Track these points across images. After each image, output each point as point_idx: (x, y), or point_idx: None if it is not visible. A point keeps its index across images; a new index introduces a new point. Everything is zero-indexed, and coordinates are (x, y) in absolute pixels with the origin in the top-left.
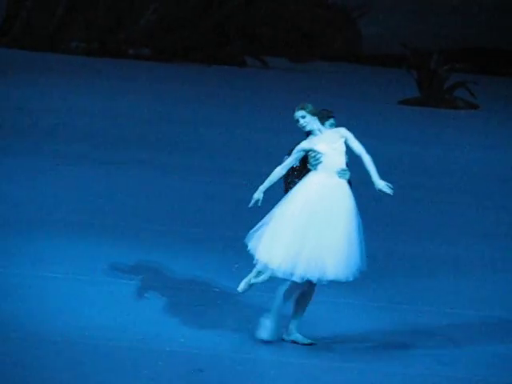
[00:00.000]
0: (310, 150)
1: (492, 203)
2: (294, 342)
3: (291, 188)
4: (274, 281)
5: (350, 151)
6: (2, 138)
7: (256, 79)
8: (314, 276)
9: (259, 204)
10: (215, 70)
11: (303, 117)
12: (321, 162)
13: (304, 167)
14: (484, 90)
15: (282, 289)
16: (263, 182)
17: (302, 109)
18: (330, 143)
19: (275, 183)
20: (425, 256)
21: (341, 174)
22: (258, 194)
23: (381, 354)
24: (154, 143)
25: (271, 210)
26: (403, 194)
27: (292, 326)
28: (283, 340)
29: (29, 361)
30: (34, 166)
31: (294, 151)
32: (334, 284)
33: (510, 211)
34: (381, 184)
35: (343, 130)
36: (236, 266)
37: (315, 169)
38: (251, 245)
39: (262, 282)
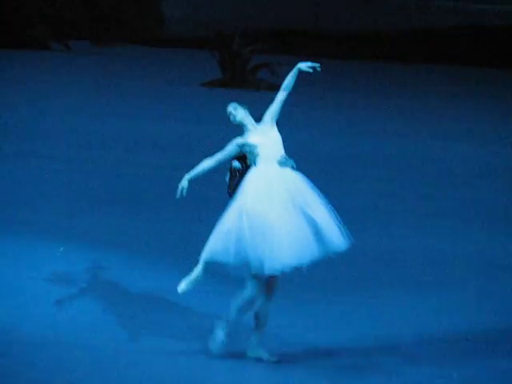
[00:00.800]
0: (244, 145)
1: None
2: (258, 359)
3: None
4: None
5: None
6: None
7: (60, 63)
8: (275, 265)
9: (184, 193)
10: (18, 54)
11: (235, 108)
12: (258, 155)
13: (247, 168)
14: (288, 71)
15: (237, 300)
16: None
17: (234, 102)
18: (263, 134)
19: (202, 176)
20: None
21: (282, 162)
22: (183, 183)
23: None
24: None
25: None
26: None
27: (254, 342)
28: (248, 356)
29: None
30: None
31: (228, 145)
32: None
33: None
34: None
35: (267, 112)
36: (61, 249)
37: (255, 163)
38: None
39: (199, 279)
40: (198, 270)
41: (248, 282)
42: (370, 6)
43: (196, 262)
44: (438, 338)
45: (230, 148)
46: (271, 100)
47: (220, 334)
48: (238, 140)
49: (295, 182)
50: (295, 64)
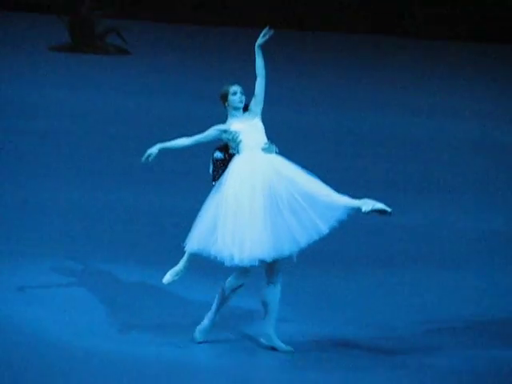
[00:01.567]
0: (226, 131)
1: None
2: (273, 348)
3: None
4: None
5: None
6: None
7: None
8: (262, 255)
9: (150, 159)
10: None
11: (242, 93)
12: (240, 141)
13: (230, 158)
14: (138, 37)
15: (224, 286)
16: None
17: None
18: (246, 122)
19: (175, 150)
20: None
21: (266, 148)
22: (153, 149)
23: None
24: None
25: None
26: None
27: (267, 330)
28: (261, 344)
29: None
30: None
31: (209, 129)
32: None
33: None
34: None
35: (252, 101)
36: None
37: (238, 151)
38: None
39: (184, 270)
40: (183, 261)
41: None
42: None
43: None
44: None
45: (210, 132)
46: (120, 64)
47: (205, 322)
48: (220, 126)
49: (280, 169)
50: (144, 29)
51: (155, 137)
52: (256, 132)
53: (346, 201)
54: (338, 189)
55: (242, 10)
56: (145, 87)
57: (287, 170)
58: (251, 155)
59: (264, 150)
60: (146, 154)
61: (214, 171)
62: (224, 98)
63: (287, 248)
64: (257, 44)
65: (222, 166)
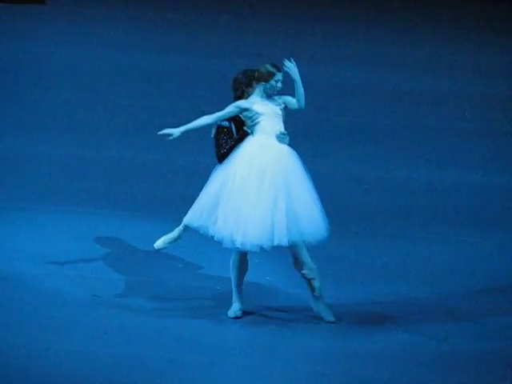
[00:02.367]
0: (247, 109)
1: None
2: (318, 315)
3: (224, 149)
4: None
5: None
6: None
7: None
8: (263, 242)
9: (170, 138)
10: None
11: (267, 69)
12: (258, 123)
13: (238, 128)
14: None
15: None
16: None
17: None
18: (269, 106)
19: (196, 130)
20: None
21: (280, 137)
22: (175, 131)
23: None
24: None
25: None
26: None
27: (312, 297)
28: (313, 310)
29: None
30: None
31: (230, 106)
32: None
33: None
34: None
35: (284, 97)
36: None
37: (251, 130)
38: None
39: (176, 239)
40: (178, 230)
41: None
42: None
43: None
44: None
45: (232, 109)
46: (36, 13)
47: (235, 303)
48: (243, 103)
49: (289, 162)
50: None
51: (78, 87)
52: (276, 119)
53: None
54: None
55: None
56: (60, 37)
57: (295, 165)
58: (265, 140)
59: (278, 138)
60: (166, 131)
61: (216, 137)
62: (264, 77)
63: (288, 238)
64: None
65: (225, 134)
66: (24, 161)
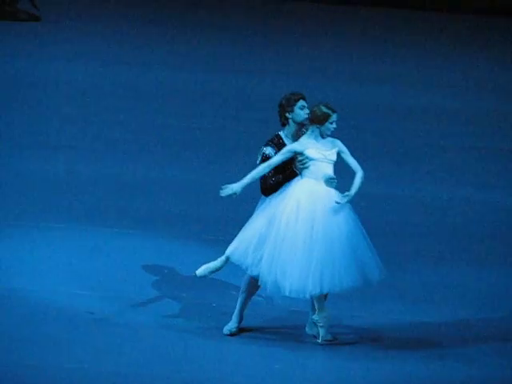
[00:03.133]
0: (300, 153)
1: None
2: (315, 337)
3: (271, 181)
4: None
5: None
6: None
7: None
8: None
9: (234, 197)
10: None
11: (320, 109)
12: (307, 168)
13: (287, 167)
14: (48, 2)
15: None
16: None
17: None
18: (321, 150)
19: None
20: None
21: (328, 182)
22: (237, 189)
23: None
24: None
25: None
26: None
27: (311, 320)
28: (306, 333)
29: None
30: None
31: (284, 151)
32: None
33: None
34: (346, 198)
35: (339, 143)
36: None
37: (300, 173)
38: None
39: (218, 269)
40: (220, 261)
41: None
42: None
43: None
44: None
45: (287, 154)
46: (30, 30)
47: (233, 319)
48: (297, 147)
49: (338, 209)
50: None
51: (70, 103)
52: (327, 164)
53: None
54: None
55: None
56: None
57: (344, 212)
58: (314, 185)
59: (327, 182)
60: (229, 191)
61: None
62: (319, 119)
63: (331, 287)
64: (344, 196)
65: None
66: (21, 178)
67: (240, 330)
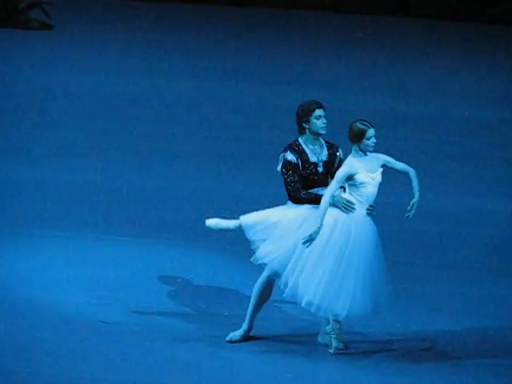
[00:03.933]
0: (351, 175)
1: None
2: (327, 345)
3: (290, 186)
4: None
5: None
6: None
7: None
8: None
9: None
10: None
11: (375, 135)
12: (357, 191)
13: (303, 162)
14: (60, 11)
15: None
16: None
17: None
18: (369, 172)
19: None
20: None
21: (369, 210)
22: (319, 224)
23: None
24: None
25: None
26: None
27: (324, 329)
28: (318, 342)
29: None
30: None
31: (340, 178)
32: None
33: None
34: (414, 205)
35: (382, 156)
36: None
37: (350, 191)
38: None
39: (228, 229)
40: (233, 224)
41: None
42: None
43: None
44: None
45: (341, 179)
46: (44, 39)
47: (244, 327)
48: (347, 169)
49: (371, 239)
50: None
51: (82, 112)
52: (373, 188)
53: None
54: None
55: None
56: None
57: (373, 235)
58: (358, 211)
59: (368, 210)
60: (314, 234)
61: (283, 171)
62: (356, 138)
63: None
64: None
65: (292, 170)
66: (27, 187)
67: (250, 339)
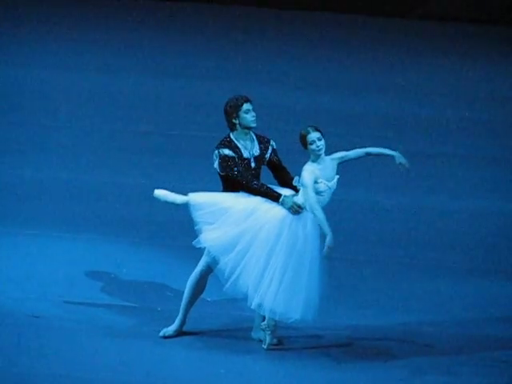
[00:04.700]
0: (316, 182)
1: None
2: (260, 341)
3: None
4: None
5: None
6: None
7: None
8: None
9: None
10: None
11: (319, 139)
12: (313, 198)
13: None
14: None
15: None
16: None
17: (318, 130)
18: (327, 181)
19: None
20: None
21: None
22: (330, 235)
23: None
24: None
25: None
26: None
27: (257, 324)
28: (252, 338)
29: None
30: None
31: (309, 186)
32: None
33: None
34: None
35: (336, 155)
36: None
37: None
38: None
39: (174, 203)
40: (180, 200)
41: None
42: None
43: None
44: None
45: (312, 184)
46: (38, 36)
47: (177, 322)
48: (312, 176)
49: (313, 239)
50: None
51: (60, 110)
52: (328, 196)
53: None
54: None
55: None
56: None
57: (317, 240)
58: (306, 213)
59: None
60: (329, 247)
61: (223, 166)
62: (302, 143)
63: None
64: (396, 161)
65: (231, 164)
66: (8, 185)
67: (183, 334)
